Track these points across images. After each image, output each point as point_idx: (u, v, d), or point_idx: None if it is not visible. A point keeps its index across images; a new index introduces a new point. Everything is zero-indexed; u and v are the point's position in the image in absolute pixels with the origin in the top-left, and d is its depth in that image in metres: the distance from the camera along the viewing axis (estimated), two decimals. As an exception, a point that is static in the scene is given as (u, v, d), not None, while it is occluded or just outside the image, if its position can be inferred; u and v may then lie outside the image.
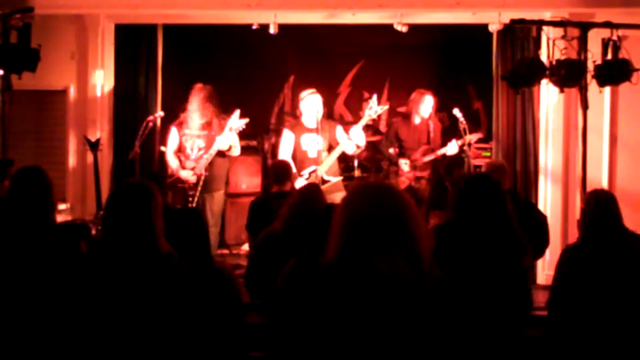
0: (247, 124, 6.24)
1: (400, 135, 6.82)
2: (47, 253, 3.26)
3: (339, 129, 6.63)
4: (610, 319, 3.46)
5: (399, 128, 6.84)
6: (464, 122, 6.46)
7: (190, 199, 6.19)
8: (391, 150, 6.85)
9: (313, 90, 6.54)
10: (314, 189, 4.47)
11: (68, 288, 2.83)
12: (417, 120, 6.78)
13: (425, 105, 6.70)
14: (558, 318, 3.64)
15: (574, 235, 5.78)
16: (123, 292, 2.69)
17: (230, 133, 6.16)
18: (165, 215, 2.88)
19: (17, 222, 3.33)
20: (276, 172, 5.60)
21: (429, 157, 6.72)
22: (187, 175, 6.25)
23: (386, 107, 6.76)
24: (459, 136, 6.57)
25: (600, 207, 3.61)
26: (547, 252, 6.31)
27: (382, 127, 7.79)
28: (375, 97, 6.58)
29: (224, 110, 6.49)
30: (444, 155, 6.71)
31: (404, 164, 6.71)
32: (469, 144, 6.60)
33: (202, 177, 6.20)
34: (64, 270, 3.12)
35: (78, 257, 3.30)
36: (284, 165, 5.80)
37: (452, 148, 6.56)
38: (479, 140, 6.91)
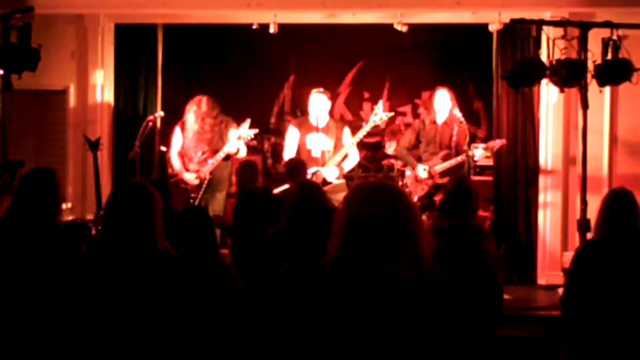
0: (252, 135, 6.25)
1: (421, 138, 6.56)
2: (49, 254, 3.27)
3: (347, 131, 6.58)
4: (625, 317, 3.45)
5: (419, 130, 6.59)
6: (464, 122, 6.44)
7: (192, 200, 6.19)
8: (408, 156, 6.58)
9: (321, 89, 6.53)
10: (311, 185, 4.48)
11: (68, 288, 2.84)
12: (437, 118, 6.49)
13: (439, 99, 6.45)
14: (571, 315, 3.63)
15: (573, 235, 5.79)
16: (122, 291, 2.70)
17: (238, 141, 6.17)
18: (170, 216, 2.89)
19: (21, 223, 3.34)
20: (290, 169, 5.63)
21: (450, 163, 6.34)
22: (190, 178, 6.25)
23: (391, 114, 6.70)
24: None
25: (616, 205, 3.61)
26: (547, 252, 6.35)
27: (382, 126, 7.79)
28: (380, 103, 6.54)
29: (225, 112, 6.50)
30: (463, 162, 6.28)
31: (422, 170, 6.41)
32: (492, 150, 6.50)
33: (206, 180, 6.21)
34: (64, 271, 3.13)
35: (78, 258, 3.31)
36: (298, 161, 5.82)
37: (478, 153, 6.25)
38: (477, 140, 6.90)
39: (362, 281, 2.18)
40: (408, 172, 6.63)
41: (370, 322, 2.16)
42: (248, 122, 6.17)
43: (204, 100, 6.32)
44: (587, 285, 3.52)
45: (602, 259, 3.52)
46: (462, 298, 2.36)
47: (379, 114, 6.39)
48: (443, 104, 6.47)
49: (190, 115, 6.30)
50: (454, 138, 6.43)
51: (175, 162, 6.38)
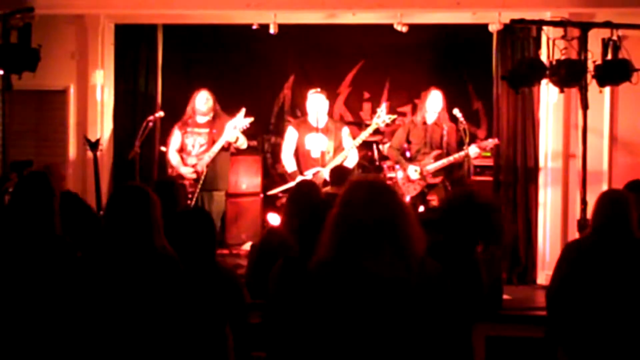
0: (248, 124, 6.29)
1: (411, 138, 6.59)
2: (44, 259, 3.26)
3: (346, 131, 6.58)
4: (615, 321, 3.44)
5: (409, 130, 6.61)
6: (464, 122, 6.44)
7: (190, 195, 6.21)
8: (407, 154, 6.60)
9: (318, 89, 6.55)
10: (309, 185, 4.49)
11: (64, 292, 2.86)
12: (427, 119, 6.53)
13: (432, 100, 6.48)
14: (557, 315, 3.62)
15: (573, 235, 5.78)
16: (121, 292, 2.72)
17: (234, 131, 6.21)
18: (173, 216, 2.92)
19: (17, 229, 3.33)
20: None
21: (442, 162, 6.40)
22: (187, 171, 6.29)
23: (394, 117, 6.71)
24: (471, 139, 6.40)
25: (611, 208, 3.58)
26: (547, 252, 6.35)
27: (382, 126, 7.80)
28: (384, 105, 6.56)
29: (224, 110, 6.54)
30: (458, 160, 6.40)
31: (413, 171, 6.43)
32: (485, 149, 6.55)
33: (203, 174, 6.24)
34: (60, 275, 3.14)
35: (74, 262, 3.31)
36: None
37: (472, 151, 6.31)
38: (477, 140, 6.90)
39: (351, 279, 2.20)
40: (400, 174, 6.63)
41: (360, 319, 2.17)
42: (243, 111, 6.24)
43: (206, 94, 6.40)
44: (575, 291, 3.51)
45: (592, 266, 3.50)
46: (452, 294, 2.37)
47: (381, 117, 6.41)
48: (436, 105, 6.52)
49: (191, 107, 6.38)
50: (445, 138, 6.49)
51: (173, 158, 6.44)
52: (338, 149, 6.49)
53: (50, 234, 3.37)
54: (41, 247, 3.29)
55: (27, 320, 3.19)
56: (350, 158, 6.49)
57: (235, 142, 6.33)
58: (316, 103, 6.45)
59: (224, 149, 6.36)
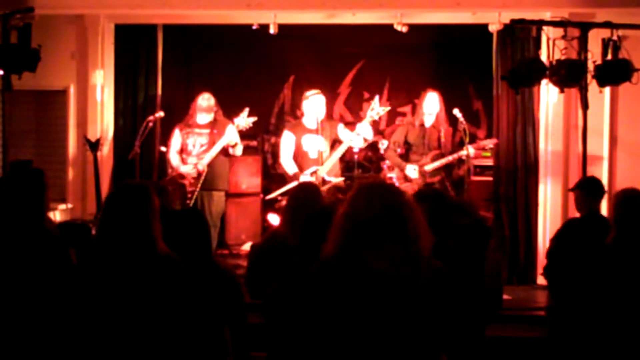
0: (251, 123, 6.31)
1: (409, 138, 6.62)
2: (33, 258, 3.24)
3: (341, 126, 6.62)
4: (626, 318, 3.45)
5: (408, 131, 6.64)
6: (464, 122, 6.45)
7: (190, 195, 6.22)
8: (399, 150, 6.64)
9: (318, 91, 6.55)
10: (310, 187, 4.49)
11: (61, 290, 2.85)
12: (425, 121, 6.56)
13: (429, 102, 6.51)
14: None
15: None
16: (120, 292, 2.70)
17: (235, 132, 6.23)
18: (167, 216, 2.90)
19: (7, 224, 3.32)
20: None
21: (440, 162, 6.45)
22: (188, 170, 6.30)
23: (388, 108, 6.72)
24: (467, 139, 6.43)
25: (628, 206, 3.59)
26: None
27: (382, 125, 7.80)
28: (377, 98, 6.56)
29: (225, 110, 6.55)
30: (458, 160, 6.46)
31: (412, 170, 6.46)
32: (484, 148, 6.58)
33: (203, 174, 6.25)
34: (49, 275, 3.13)
35: (66, 261, 3.30)
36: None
37: (470, 152, 6.34)
38: (477, 140, 6.91)
39: (356, 277, 2.20)
40: (397, 173, 6.64)
41: (364, 317, 2.17)
42: (246, 111, 6.27)
43: (207, 94, 6.43)
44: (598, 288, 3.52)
45: (618, 265, 3.50)
46: (459, 294, 2.37)
47: (375, 109, 6.41)
48: (432, 107, 6.54)
49: (193, 107, 6.43)
50: (442, 140, 6.52)
51: (174, 158, 6.47)
52: (334, 147, 6.50)
53: (39, 228, 3.36)
54: (28, 241, 3.27)
55: (17, 316, 3.18)
56: (364, 132, 6.40)
57: (235, 146, 6.34)
58: (316, 104, 6.45)
59: (224, 152, 6.37)
